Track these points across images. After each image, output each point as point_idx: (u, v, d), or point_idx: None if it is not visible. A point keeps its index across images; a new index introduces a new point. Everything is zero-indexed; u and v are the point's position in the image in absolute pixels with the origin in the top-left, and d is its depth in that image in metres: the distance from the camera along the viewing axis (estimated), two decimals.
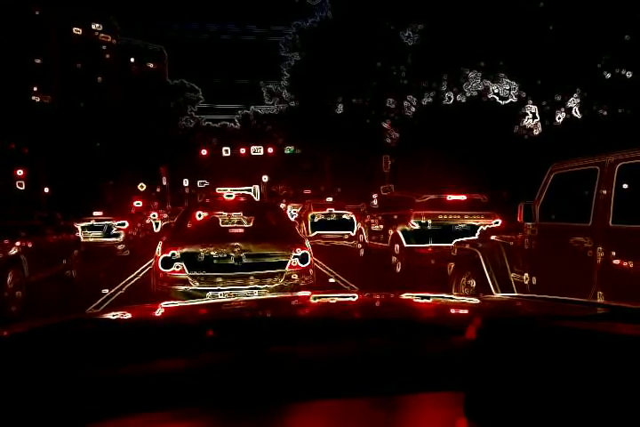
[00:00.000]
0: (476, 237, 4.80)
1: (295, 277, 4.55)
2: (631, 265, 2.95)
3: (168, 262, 4.46)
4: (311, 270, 4.72)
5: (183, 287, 4.40)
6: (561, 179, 3.66)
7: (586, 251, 3.23)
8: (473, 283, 4.34)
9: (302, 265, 4.59)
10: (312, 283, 4.66)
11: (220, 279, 4.45)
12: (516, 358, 0.58)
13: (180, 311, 1.30)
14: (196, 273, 4.45)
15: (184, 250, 4.52)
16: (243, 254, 4.53)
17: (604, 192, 3.16)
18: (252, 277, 4.47)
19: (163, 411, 0.69)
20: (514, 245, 4.07)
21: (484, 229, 5.12)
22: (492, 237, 4.44)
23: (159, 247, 4.70)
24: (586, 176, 3.33)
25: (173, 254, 4.48)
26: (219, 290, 4.40)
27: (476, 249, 4.34)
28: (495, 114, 19.73)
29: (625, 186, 3.11)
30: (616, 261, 3.04)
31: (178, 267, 4.44)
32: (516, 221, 3.96)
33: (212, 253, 4.52)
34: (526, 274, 3.86)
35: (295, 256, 4.59)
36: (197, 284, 4.43)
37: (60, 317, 1.09)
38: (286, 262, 4.56)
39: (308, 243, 5.07)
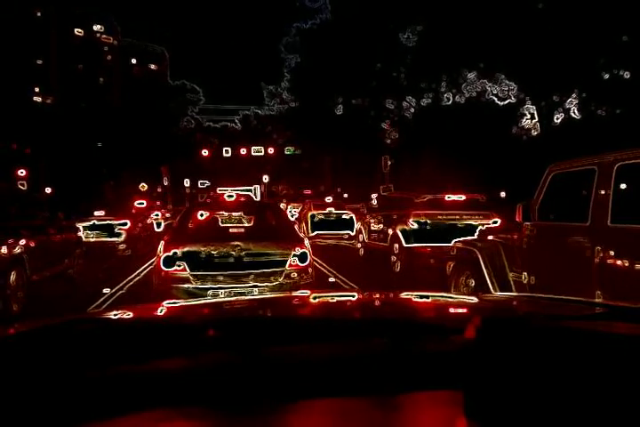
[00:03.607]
0: (475, 236, 4.83)
1: (295, 275, 4.58)
2: (629, 265, 2.97)
3: (170, 261, 4.49)
4: (310, 269, 4.76)
5: (184, 286, 4.43)
6: (559, 179, 3.68)
7: (584, 251, 3.24)
8: (472, 282, 4.35)
9: (301, 264, 4.63)
10: (311, 281, 4.70)
11: (220, 278, 4.48)
12: (515, 358, 0.58)
13: (180, 311, 1.30)
14: (197, 272, 4.48)
15: (185, 249, 4.55)
16: (243, 253, 4.56)
17: (603, 192, 3.18)
18: (252, 276, 4.51)
19: (163, 411, 0.69)
20: (512, 244, 4.09)
21: (483, 228, 5.14)
22: (491, 237, 4.46)
23: (161, 246, 4.72)
24: (584, 176, 3.35)
25: (175, 253, 4.51)
26: (220, 288, 4.43)
27: (474, 249, 4.36)
28: (494, 114, 19.74)
29: (623, 186, 3.12)
30: (614, 261, 3.06)
31: (179, 266, 4.47)
32: (515, 221, 3.98)
33: (213, 252, 4.56)
34: (525, 273, 3.88)
35: (295, 255, 4.63)
36: (199, 282, 4.46)
37: (62, 316, 1.10)
38: (286, 261, 4.60)
39: (307, 242, 5.10)
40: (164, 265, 4.50)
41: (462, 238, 4.86)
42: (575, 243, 3.37)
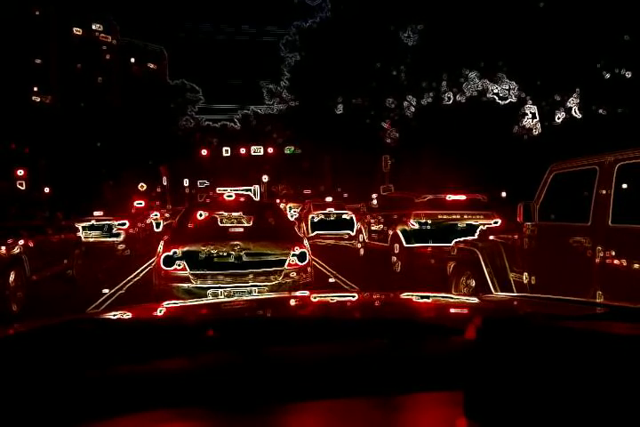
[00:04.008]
0: (476, 236, 4.82)
1: (294, 274, 4.61)
2: (630, 265, 2.96)
3: (170, 261, 4.51)
4: (309, 268, 4.79)
5: (184, 285, 4.46)
6: (560, 179, 3.67)
7: (585, 251, 3.24)
8: (472, 282, 4.35)
9: (300, 263, 4.66)
10: (310, 280, 4.74)
11: (220, 277, 4.52)
12: (515, 358, 0.58)
13: (179, 311, 1.31)
14: (197, 271, 4.51)
15: (185, 248, 4.57)
16: (243, 253, 4.59)
17: (604, 192, 3.17)
18: (251, 275, 4.54)
19: (163, 411, 0.69)
20: (513, 244, 4.08)
21: (484, 228, 5.13)
22: (492, 237, 4.45)
23: (161, 246, 4.75)
24: (585, 176, 3.35)
25: (175, 253, 4.54)
26: (219, 287, 4.46)
27: (475, 249, 4.35)
28: (495, 114, 19.75)
29: (624, 186, 3.12)
30: (615, 261, 3.05)
31: (179, 265, 4.50)
32: (516, 221, 3.97)
33: (212, 251, 4.58)
34: (526, 274, 3.87)
35: (294, 255, 4.66)
36: (198, 281, 4.49)
37: (61, 316, 1.10)
38: (285, 261, 4.63)
39: (306, 242, 5.13)
40: (164, 264, 4.52)
41: (463, 238, 4.85)
42: (576, 243, 3.36)
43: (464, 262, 4.50)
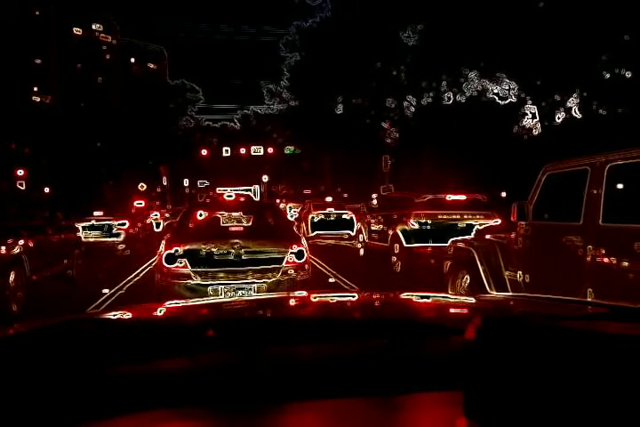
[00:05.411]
0: (472, 236, 4.86)
1: (292, 272, 4.71)
2: (620, 263, 3.01)
3: (171, 258, 4.61)
4: (307, 266, 4.90)
5: (185, 282, 4.57)
6: (554, 179, 3.72)
7: (577, 249, 3.29)
8: (468, 281, 4.39)
9: (298, 261, 4.76)
10: (308, 278, 4.85)
11: (220, 274, 4.63)
12: (515, 358, 0.58)
13: (179, 311, 1.31)
14: (198, 268, 4.62)
15: (187, 247, 4.68)
16: (242, 251, 4.69)
17: (595, 192, 3.22)
18: (250, 272, 4.64)
19: (163, 411, 0.69)
20: (508, 243, 4.13)
21: (480, 228, 5.17)
22: (488, 237, 4.49)
23: (163, 244, 4.86)
24: (577, 176, 3.39)
25: (177, 251, 4.64)
26: (219, 284, 4.57)
27: (471, 248, 4.40)
28: (495, 114, 19.75)
29: (614, 186, 3.17)
30: (605, 259, 3.10)
31: (181, 262, 4.60)
32: (511, 221, 4.01)
33: (213, 249, 4.68)
34: (520, 272, 3.92)
35: (292, 253, 4.76)
36: (199, 278, 4.60)
37: (61, 316, 1.10)
38: (283, 258, 4.73)
39: (304, 240, 5.24)
40: (166, 262, 4.62)
41: (459, 238, 4.89)
42: (568, 242, 3.41)
43: (460, 261, 4.54)
